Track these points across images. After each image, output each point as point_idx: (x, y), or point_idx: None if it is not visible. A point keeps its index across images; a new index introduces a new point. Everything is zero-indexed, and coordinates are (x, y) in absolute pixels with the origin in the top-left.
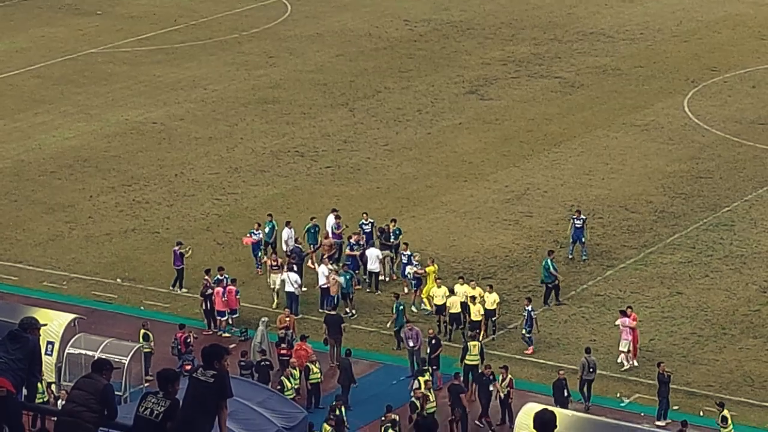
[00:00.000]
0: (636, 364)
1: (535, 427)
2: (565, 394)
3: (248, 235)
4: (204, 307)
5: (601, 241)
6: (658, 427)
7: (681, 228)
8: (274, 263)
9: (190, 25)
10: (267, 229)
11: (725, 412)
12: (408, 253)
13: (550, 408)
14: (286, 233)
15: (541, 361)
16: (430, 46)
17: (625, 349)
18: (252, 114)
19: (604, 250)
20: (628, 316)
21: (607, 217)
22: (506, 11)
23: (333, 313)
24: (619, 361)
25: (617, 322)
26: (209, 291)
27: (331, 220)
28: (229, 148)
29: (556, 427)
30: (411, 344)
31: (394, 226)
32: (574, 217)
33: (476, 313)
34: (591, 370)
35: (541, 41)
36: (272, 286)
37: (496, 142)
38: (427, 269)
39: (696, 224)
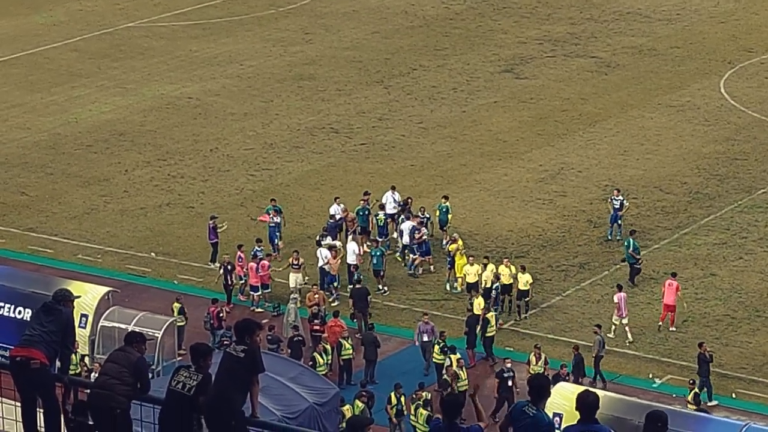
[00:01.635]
0: (674, 328)
1: (577, 408)
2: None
3: (265, 213)
4: (224, 281)
5: (636, 221)
6: (709, 407)
7: (715, 209)
8: (295, 262)
9: (227, 1)
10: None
11: (696, 389)
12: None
13: (592, 389)
14: (334, 209)
15: (574, 340)
16: (465, 24)
17: (618, 323)
18: (287, 90)
19: (638, 231)
20: (620, 292)
21: (642, 198)
22: None
23: (359, 286)
24: (611, 335)
25: (615, 298)
26: (229, 266)
27: (389, 195)
28: (264, 124)
29: (598, 408)
30: (425, 338)
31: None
32: (613, 196)
33: (525, 282)
34: (602, 345)
35: (578, 21)
36: (291, 285)
37: (531, 121)
38: (449, 247)
39: (731, 206)
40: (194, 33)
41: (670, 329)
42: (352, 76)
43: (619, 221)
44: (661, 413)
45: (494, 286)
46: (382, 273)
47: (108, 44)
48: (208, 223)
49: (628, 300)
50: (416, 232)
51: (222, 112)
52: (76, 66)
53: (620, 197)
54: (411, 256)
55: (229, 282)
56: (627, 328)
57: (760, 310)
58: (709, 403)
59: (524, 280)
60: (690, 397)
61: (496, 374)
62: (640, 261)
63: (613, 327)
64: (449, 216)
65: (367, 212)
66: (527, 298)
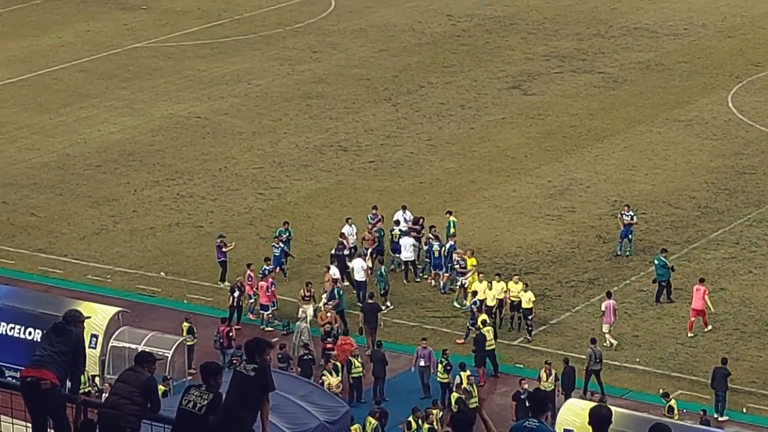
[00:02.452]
0: (710, 328)
1: (590, 423)
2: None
3: (276, 236)
4: (230, 302)
5: (645, 236)
6: (719, 422)
7: (724, 224)
8: (307, 294)
9: (235, 20)
10: (284, 237)
11: (671, 402)
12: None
13: (604, 404)
14: (347, 230)
15: (583, 356)
16: (473, 41)
17: (607, 331)
18: (296, 109)
19: (647, 246)
20: (610, 301)
21: (651, 213)
22: (550, 6)
23: (371, 302)
24: (606, 344)
25: (602, 305)
26: (237, 287)
27: (400, 215)
28: (272, 142)
29: (611, 422)
30: (422, 363)
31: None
32: (623, 212)
33: (528, 300)
34: (597, 360)
35: (585, 36)
36: (299, 315)
37: (539, 137)
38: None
39: (740, 220)
40: (202, 52)
41: (705, 330)
42: (360, 93)
43: (630, 236)
44: (665, 426)
45: (473, 301)
46: (385, 290)
47: (116, 65)
48: (216, 242)
49: (617, 308)
50: (453, 251)
51: (230, 131)
52: (84, 87)
53: (630, 212)
54: (441, 273)
55: (237, 302)
56: (609, 335)
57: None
58: (720, 419)
59: (527, 298)
60: (665, 410)
61: (513, 396)
62: (670, 276)
63: (608, 337)
64: (453, 230)
65: (383, 232)
66: (531, 316)
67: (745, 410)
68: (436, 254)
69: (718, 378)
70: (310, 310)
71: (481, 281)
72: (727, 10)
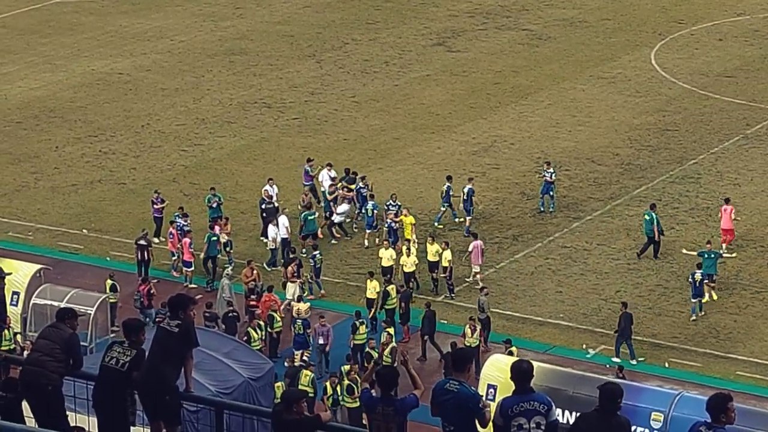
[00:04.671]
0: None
1: (512, 378)
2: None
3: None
4: (138, 257)
5: (568, 193)
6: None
7: (647, 180)
8: (294, 272)
9: None
10: (214, 204)
11: (513, 348)
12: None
13: (525, 359)
14: (269, 189)
15: (508, 312)
16: None
17: (478, 269)
18: (219, 65)
19: (570, 202)
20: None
21: (574, 169)
22: None
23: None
24: (472, 278)
25: (470, 246)
26: (143, 241)
27: (325, 173)
28: (195, 99)
29: (533, 376)
30: (321, 341)
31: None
32: (543, 169)
33: (372, 290)
34: (481, 309)
35: None
36: (288, 296)
37: (463, 94)
38: (404, 219)
39: (662, 177)
40: (124, 8)
41: (723, 251)
42: (283, 50)
43: (552, 193)
44: (616, 386)
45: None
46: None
47: (36, 20)
48: (152, 197)
49: (484, 250)
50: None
51: (153, 87)
52: (4, 42)
53: (551, 169)
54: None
55: (146, 258)
56: (478, 276)
57: (690, 279)
58: (632, 362)
59: (445, 257)
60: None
61: (444, 356)
62: (658, 234)
63: (477, 276)
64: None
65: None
66: (445, 275)
67: (667, 365)
68: (369, 213)
69: (623, 322)
70: (295, 289)
71: (387, 248)
72: None
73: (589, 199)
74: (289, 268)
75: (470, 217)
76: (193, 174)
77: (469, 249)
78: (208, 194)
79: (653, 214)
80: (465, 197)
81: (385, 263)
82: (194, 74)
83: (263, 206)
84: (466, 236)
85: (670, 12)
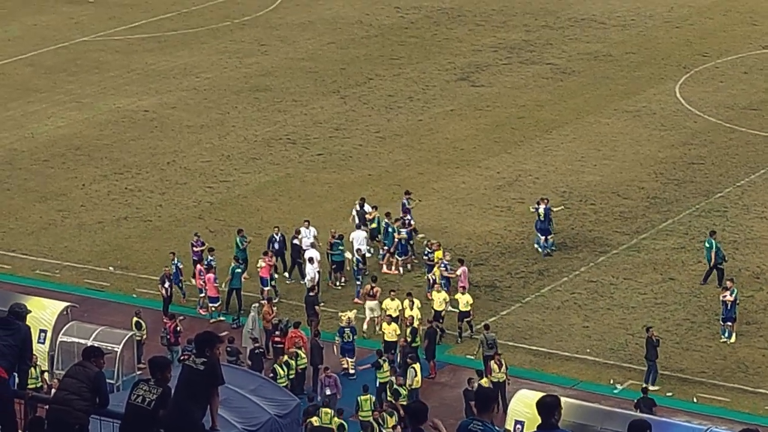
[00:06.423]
0: None
1: (539, 412)
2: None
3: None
4: (163, 294)
5: (594, 227)
6: (651, 391)
7: (673, 214)
8: (371, 291)
9: (182, 13)
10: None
11: (416, 366)
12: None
13: (552, 393)
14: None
15: (535, 347)
16: (421, 33)
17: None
18: (244, 102)
19: (596, 236)
20: None
21: (599, 203)
22: None
23: (311, 294)
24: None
25: (458, 271)
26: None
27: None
28: (221, 135)
29: (557, 409)
30: (328, 392)
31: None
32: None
33: (391, 333)
34: (489, 345)
35: (533, 28)
36: (368, 315)
37: (487, 128)
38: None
39: (688, 210)
40: (149, 46)
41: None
42: (308, 86)
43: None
44: (644, 422)
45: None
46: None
47: (63, 59)
48: (191, 240)
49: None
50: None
51: (178, 124)
52: (31, 81)
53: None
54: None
55: (168, 293)
56: (462, 297)
57: (719, 314)
58: (651, 388)
59: (464, 301)
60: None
61: (463, 392)
62: (723, 262)
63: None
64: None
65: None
66: (468, 319)
67: (695, 400)
68: (403, 241)
69: (647, 347)
70: (374, 306)
71: (393, 299)
72: (674, 0)
73: (615, 233)
74: (367, 286)
75: (552, 236)
76: (218, 210)
77: (458, 273)
78: (237, 237)
79: (713, 240)
80: (542, 217)
81: (393, 314)
82: (219, 111)
83: (294, 244)
84: (552, 252)
85: (694, 45)
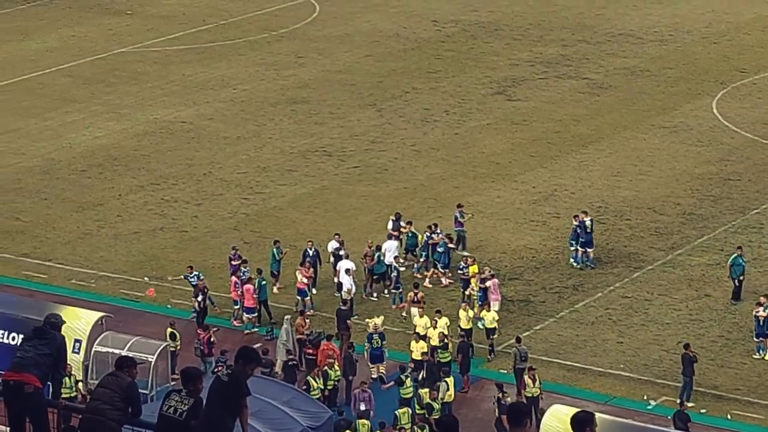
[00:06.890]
0: None
1: (572, 427)
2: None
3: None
4: (196, 307)
5: (629, 243)
6: (689, 408)
7: (709, 230)
8: (416, 297)
9: (220, 25)
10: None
11: (448, 379)
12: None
13: (587, 410)
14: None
15: (569, 363)
16: (458, 46)
17: (497, 308)
18: (281, 114)
19: (631, 252)
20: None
21: (635, 219)
22: (534, 12)
23: (344, 308)
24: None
25: (488, 283)
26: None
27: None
28: (257, 147)
29: (590, 424)
30: (362, 407)
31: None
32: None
33: (491, 320)
34: (522, 359)
35: (570, 42)
36: (414, 322)
37: (523, 143)
38: (469, 269)
39: (724, 226)
40: (187, 57)
41: None
42: (344, 99)
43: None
44: None
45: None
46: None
47: (101, 69)
48: (230, 254)
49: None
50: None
51: (215, 136)
52: (69, 91)
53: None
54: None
55: (201, 306)
56: (487, 314)
57: (754, 331)
58: (687, 404)
59: (490, 318)
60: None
61: (497, 401)
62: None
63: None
64: (418, 239)
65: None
66: (494, 336)
67: (729, 417)
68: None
69: (684, 363)
70: (415, 313)
71: (422, 316)
72: (711, 16)
73: (651, 248)
74: (410, 293)
75: (592, 249)
76: (254, 222)
77: (488, 285)
78: (273, 248)
79: (738, 257)
80: (589, 230)
81: (421, 332)
82: (256, 122)
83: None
84: (592, 268)
85: (732, 61)
